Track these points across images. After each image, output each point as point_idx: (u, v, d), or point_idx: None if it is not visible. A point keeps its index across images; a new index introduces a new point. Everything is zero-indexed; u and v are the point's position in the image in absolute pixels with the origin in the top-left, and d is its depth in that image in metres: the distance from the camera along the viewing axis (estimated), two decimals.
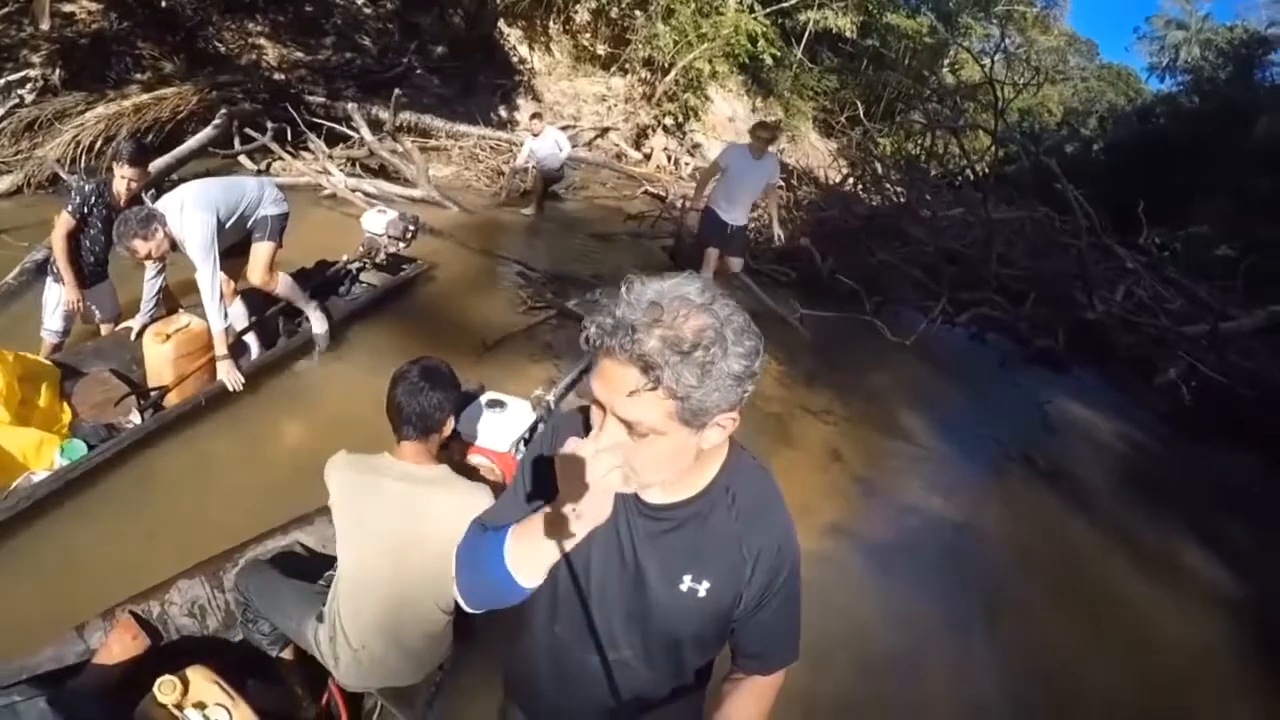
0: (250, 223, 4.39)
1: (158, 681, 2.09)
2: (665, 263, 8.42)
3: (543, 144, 9.94)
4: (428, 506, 2.19)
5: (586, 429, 1.29)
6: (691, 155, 17.04)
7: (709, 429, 1.13)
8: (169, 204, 3.91)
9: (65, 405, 3.71)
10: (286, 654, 2.54)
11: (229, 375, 4.14)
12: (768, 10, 19.70)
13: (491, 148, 12.17)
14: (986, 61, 21.20)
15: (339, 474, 2.26)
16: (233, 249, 4.28)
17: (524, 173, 10.24)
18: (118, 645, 2.35)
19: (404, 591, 2.22)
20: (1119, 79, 41.63)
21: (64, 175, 7.35)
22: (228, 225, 4.13)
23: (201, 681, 2.16)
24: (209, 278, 3.93)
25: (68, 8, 9.56)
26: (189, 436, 3.96)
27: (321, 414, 4.43)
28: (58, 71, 8.57)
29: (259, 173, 9.00)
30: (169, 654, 2.28)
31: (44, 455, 3.34)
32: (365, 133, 10.31)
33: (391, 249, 5.93)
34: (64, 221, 4.09)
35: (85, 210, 4.13)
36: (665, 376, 1.03)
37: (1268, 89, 27.27)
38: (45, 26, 8.88)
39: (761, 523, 1.34)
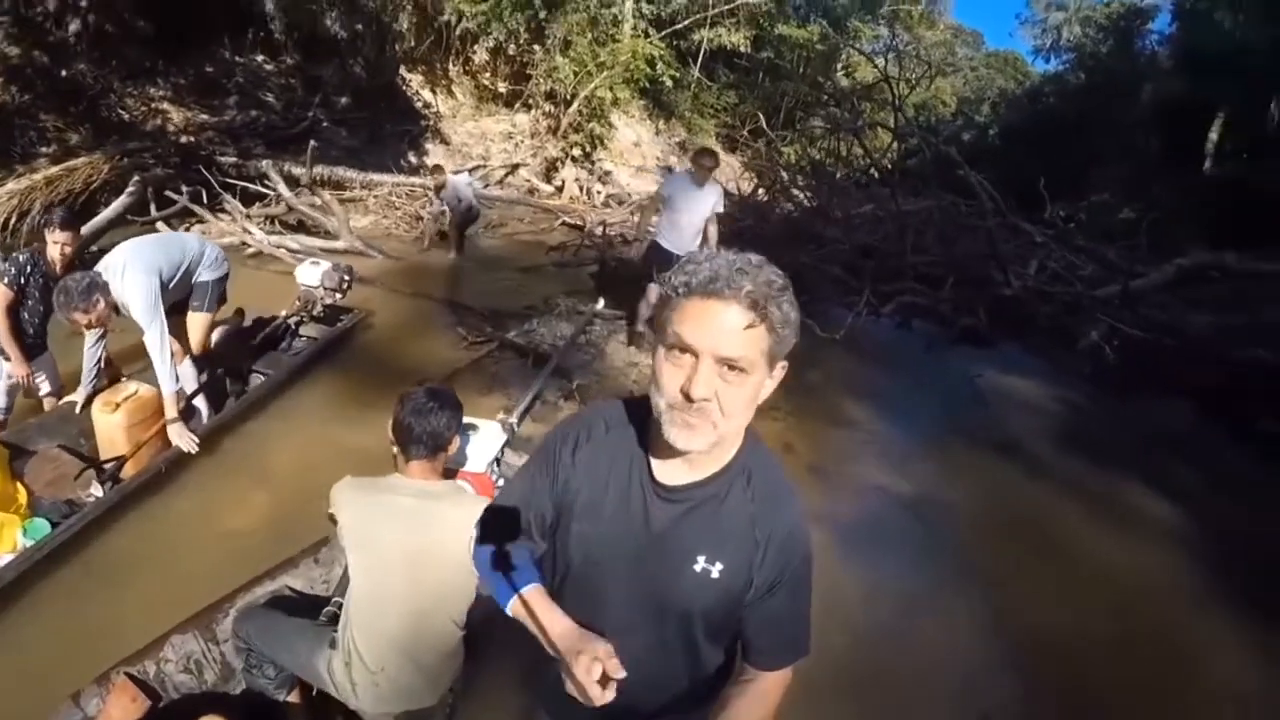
0: (191, 281, 4.36)
1: None
2: (593, 289, 8.46)
3: (449, 193, 9.97)
4: (441, 520, 2.24)
5: (629, 416, 1.45)
6: (602, 183, 17.15)
7: (776, 371, 1.25)
8: (110, 266, 3.84)
9: (19, 485, 3.62)
10: (293, 697, 2.56)
11: (182, 438, 4.06)
12: (662, 34, 19.94)
13: (407, 194, 12.18)
14: (880, 62, 21.84)
15: (350, 495, 2.29)
16: (176, 307, 4.24)
17: (441, 216, 10.24)
18: (117, 710, 2.33)
19: (420, 605, 2.26)
20: (1006, 64, 42.65)
21: None
22: (170, 285, 4.08)
23: None
24: (157, 340, 3.88)
25: None
26: (152, 504, 3.91)
27: (281, 467, 4.38)
28: None
29: None
30: (170, 714, 2.28)
31: (5, 538, 3.27)
32: (282, 189, 10.32)
33: (328, 300, 5.93)
34: (2, 295, 3.97)
35: (21, 281, 4.03)
36: (772, 311, 1.15)
37: (1148, 57, 28.52)
38: None
39: (775, 507, 1.38)
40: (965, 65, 43.08)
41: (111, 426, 3.95)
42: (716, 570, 1.35)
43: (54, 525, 3.42)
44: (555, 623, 1.41)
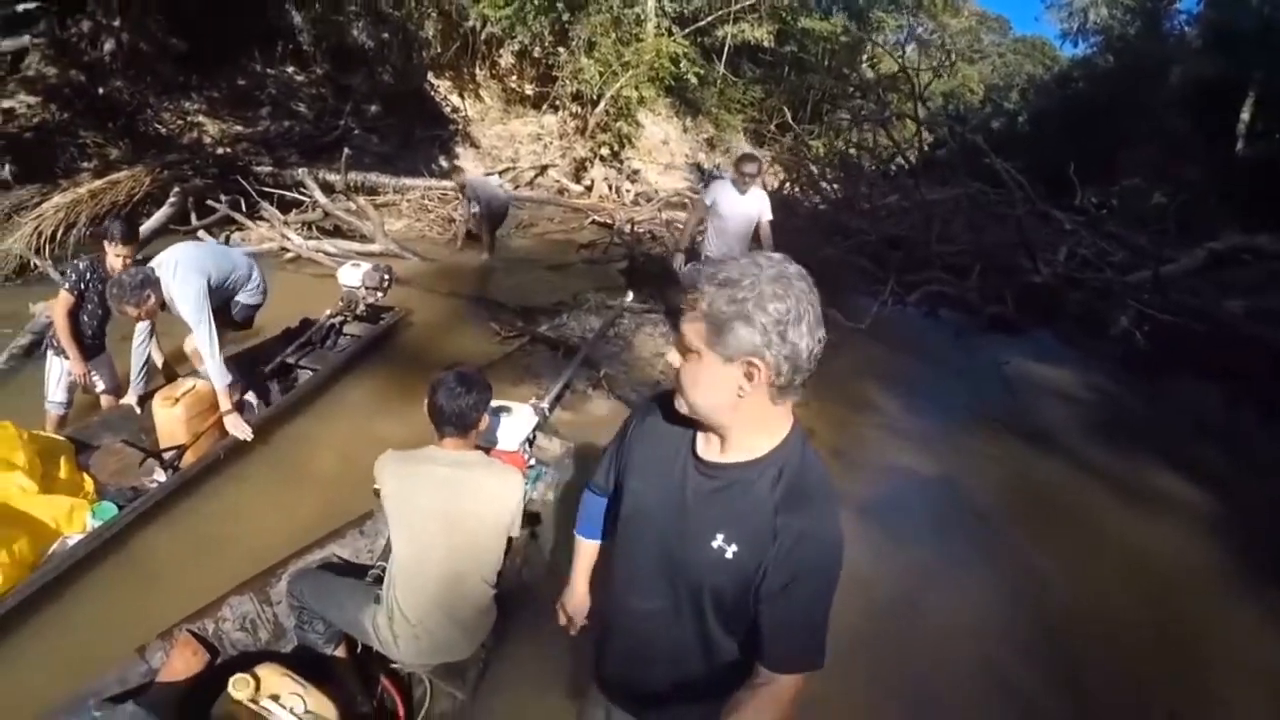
0: (230, 298, 4.58)
1: (231, 680, 2.29)
2: (622, 284, 8.58)
3: (470, 192, 10.10)
4: (475, 487, 2.49)
5: (665, 411, 1.60)
6: (631, 181, 17.22)
7: (737, 365, 1.34)
8: (163, 264, 4.06)
9: (85, 475, 3.86)
10: (340, 652, 2.75)
11: (238, 428, 4.30)
12: (685, 31, 20.02)
13: (439, 197, 12.35)
14: (904, 52, 21.72)
15: (392, 467, 2.50)
16: (215, 314, 4.41)
17: (474, 217, 10.39)
18: (180, 662, 2.55)
19: (457, 566, 2.49)
20: (1034, 50, 42.14)
21: (38, 263, 7.50)
22: (214, 291, 4.28)
23: (272, 676, 2.38)
24: (206, 337, 4.09)
25: (6, 104, 9.73)
26: (210, 489, 4.15)
27: (328, 455, 4.62)
28: (7, 167, 8.76)
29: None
30: (228, 668, 2.43)
31: (76, 520, 3.48)
32: (318, 195, 10.55)
33: (370, 300, 6.14)
34: (64, 299, 4.24)
35: (82, 286, 4.28)
36: (702, 300, 1.33)
37: (1176, 38, 28.09)
38: None
39: (802, 504, 1.43)
40: (992, 52, 42.67)
41: (172, 419, 4.17)
42: (732, 550, 1.43)
43: (120, 508, 3.64)
44: (575, 580, 2.05)
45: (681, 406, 1.46)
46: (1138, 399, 7.63)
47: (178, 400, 4.17)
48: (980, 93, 37.39)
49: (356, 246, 9.37)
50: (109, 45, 10.85)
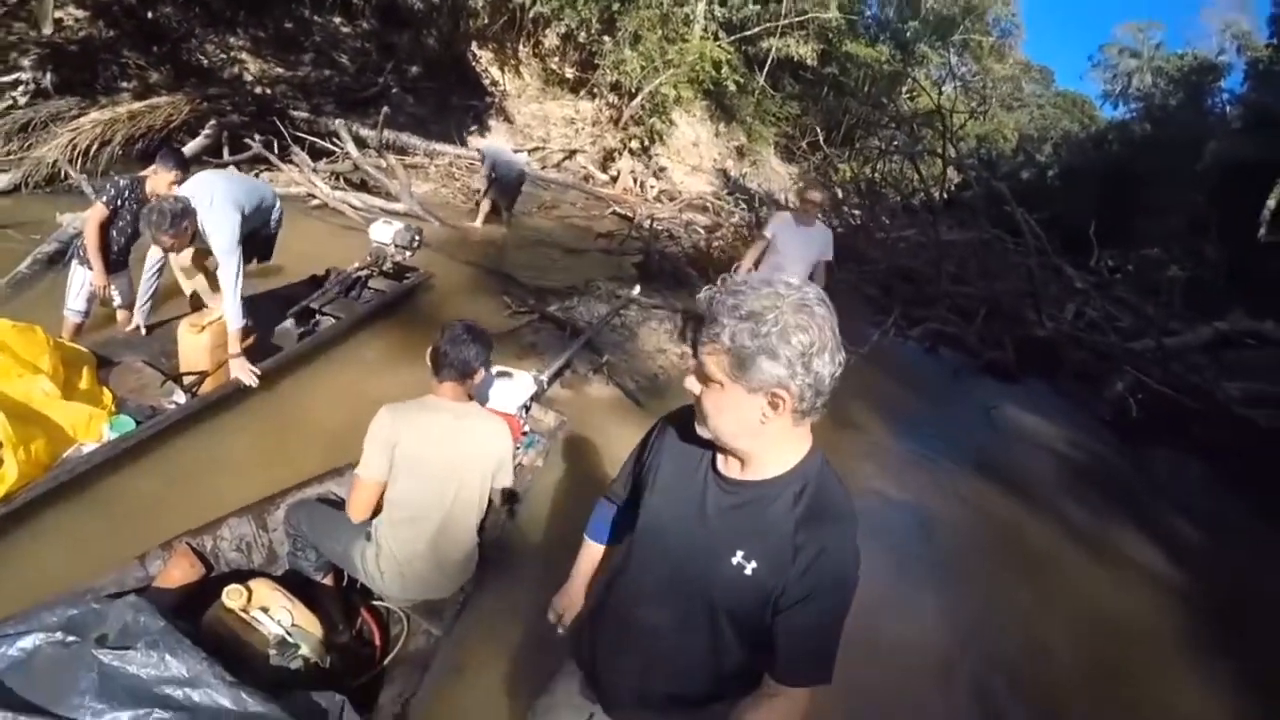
0: (256, 229, 4.66)
1: (225, 589, 2.43)
2: (635, 277, 8.67)
3: (488, 162, 10.08)
4: (472, 434, 2.68)
5: (687, 427, 1.58)
6: (657, 178, 17.27)
7: (760, 395, 1.34)
8: (198, 196, 4.08)
9: (104, 389, 3.94)
10: (328, 580, 2.91)
11: (244, 372, 4.33)
12: (732, 38, 20.12)
13: (466, 166, 12.48)
14: (944, 89, 21.79)
15: (394, 417, 2.61)
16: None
17: (487, 182, 10.28)
18: (177, 571, 2.68)
19: (452, 511, 2.66)
20: (1074, 106, 42.32)
21: (73, 174, 7.59)
22: (244, 222, 4.34)
23: (264, 589, 2.51)
24: (232, 276, 4.15)
25: (55, 14, 9.77)
26: (225, 417, 4.26)
27: (337, 399, 4.72)
28: (49, 76, 8.83)
29: None
30: (221, 581, 2.55)
31: (93, 429, 3.58)
32: (351, 148, 10.65)
33: (397, 258, 6.26)
34: (98, 211, 4.37)
35: (119, 203, 4.42)
36: (724, 334, 1.31)
37: (1217, 115, 28.16)
38: (48, 31, 9.21)
39: (822, 521, 1.44)
40: (1032, 102, 42.72)
41: (197, 346, 4.28)
42: (751, 567, 1.44)
43: (138, 424, 3.75)
44: (574, 580, 2.05)
45: (703, 431, 1.47)
46: (1120, 461, 7.72)
47: (204, 329, 4.26)
48: (1014, 141, 37.50)
49: (381, 203, 9.45)
50: None
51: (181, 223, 3.93)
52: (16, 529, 3.10)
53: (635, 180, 16.49)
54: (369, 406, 2.63)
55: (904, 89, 30.55)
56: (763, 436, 1.42)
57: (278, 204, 4.87)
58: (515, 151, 11.42)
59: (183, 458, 3.85)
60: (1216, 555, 6.03)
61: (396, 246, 6.16)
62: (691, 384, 1.44)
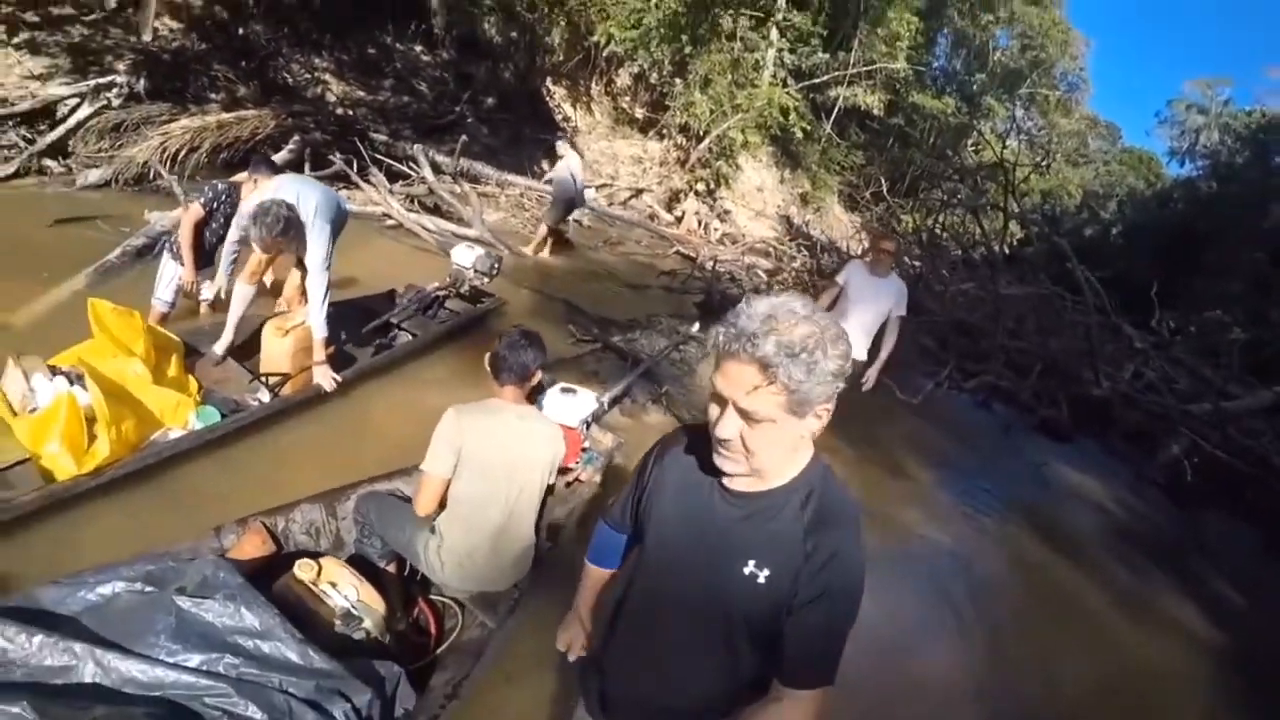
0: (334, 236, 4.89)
1: (297, 562, 2.67)
2: (696, 315, 8.85)
3: (558, 172, 10.33)
4: (533, 435, 2.88)
5: (689, 445, 1.65)
6: (721, 221, 17.49)
7: (809, 418, 1.37)
8: (302, 208, 4.34)
9: (190, 378, 4.19)
10: (391, 568, 3.13)
11: (325, 378, 4.57)
12: (800, 85, 20.33)
13: (536, 199, 12.79)
14: (1009, 143, 21.78)
15: (460, 418, 2.81)
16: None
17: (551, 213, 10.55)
18: (249, 545, 2.91)
19: (513, 507, 2.87)
20: (1140, 163, 41.92)
21: (165, 176, 8.10)
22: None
23: (333, 566, 2.75)
24: (321, 291, 4.39)
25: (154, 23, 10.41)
26: (302, 419, 4.53)
27: (407, 414, 4.89)
28: (142, 81, 9.35)
29: None
30: (288, 560, 2.76)
31: (180, 415, 3.81)
32: (427, 173, 11.10)
33: (475, 282, 6.51)
34: (195, 211, 4.73)
35: (214, 206, 4.78)
36: (780, 374, 1.28)
37: None
38: (148, 38, 9.83)
39: (829, 526, 1.46)
40: (1098, 158, 42.40)
41: (279, 349, 4.55)
42: (764, 576, 1.46)
43: (223, 416, 4.02)
44: (580, 608, 2.08)
45: (738, 468, 1.45)
46: (1169, 524, 7.65)
47: (288, 333, 4.53)
48: (1078, 197, 37.11)
49: (453, 228, 9.75)
50: None
51: (286, 234, 4.16)
52: (105, 499, 3.36)
53: (699, 222, 16.71)
54: (435, 422, 2.86)
55: (969, 141, 30.58)
56: (788, 450, 1.46)
57: (347, 219, 5.11)
58: (584, 187, 11.75)
59: (256, 453, 4.11)
60: (1261, 622, 5.98)
61: (476, 271, 6.40)
62: (727, 429, 1.39)
